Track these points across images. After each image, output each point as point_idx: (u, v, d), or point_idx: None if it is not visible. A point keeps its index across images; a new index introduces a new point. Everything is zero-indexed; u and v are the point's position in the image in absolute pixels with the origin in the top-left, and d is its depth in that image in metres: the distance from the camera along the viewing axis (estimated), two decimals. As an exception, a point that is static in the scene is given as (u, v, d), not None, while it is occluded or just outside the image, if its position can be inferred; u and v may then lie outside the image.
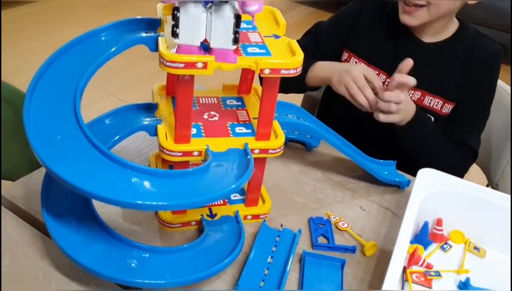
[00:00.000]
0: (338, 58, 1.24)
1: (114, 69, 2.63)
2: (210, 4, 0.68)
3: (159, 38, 0.73)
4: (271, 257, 0.81)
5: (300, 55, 0.74)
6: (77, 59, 0.71)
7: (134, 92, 2.65)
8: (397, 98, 0.98)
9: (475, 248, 0.88)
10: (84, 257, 0.71)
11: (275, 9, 0.85)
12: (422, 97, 1.15)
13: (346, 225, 0.91)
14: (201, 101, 0.91)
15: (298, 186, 1.01)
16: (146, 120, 0.83)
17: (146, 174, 0.66)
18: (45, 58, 0.71)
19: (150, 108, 0.86)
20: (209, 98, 0.92)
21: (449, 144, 1.13)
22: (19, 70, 2.52)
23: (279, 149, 0.82)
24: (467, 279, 0.81)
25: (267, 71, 0.73)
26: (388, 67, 1.16)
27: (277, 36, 0.80)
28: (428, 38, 1.16)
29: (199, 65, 0.69)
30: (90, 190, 0.61)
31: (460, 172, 1.14)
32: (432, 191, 0.88)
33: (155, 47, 0.74)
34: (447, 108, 1.15)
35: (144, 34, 0.76)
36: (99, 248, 0.73)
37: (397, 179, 1.02)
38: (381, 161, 1.05)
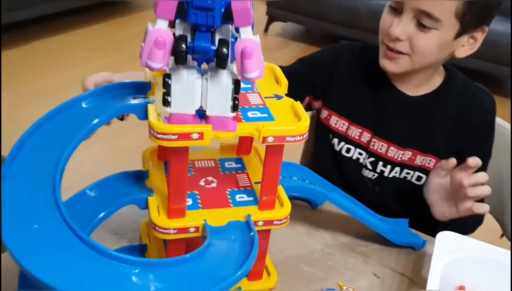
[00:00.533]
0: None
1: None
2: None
3: (149, 105, 0.66)
4: None
5: (306, 120, 0.66)
6: (54, 135, 0.62)
7: (127, 137, 2.54)
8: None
9: (503, 319, 0.80)
10: None
11: (275, 66, 0.78)
12: (413, 157, 1.06)
13: (360, 298, 0.82)
14: (196, 165, 0.83)
15: (305, 251, 0.92)
16: (136, 192, 0.74)
17: (135, 265, 0.57)
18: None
19: (140, 177, 0.78)
20: (205, 161, 0.84)
21: None
22: (7, 117, 2.44)
23: (285, 219, 0.74)
24: None
25: (270, 139, 0.65)
26: (372, 125, 1.07)
27: (279, 97, 0.73)
28: (411, 90, 1.05)
29: (195, 136, 0.62)
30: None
31: (474, 229, 1.07)
32: (453, 258, 0.81)
33: (144, 115, 0.66)
34: None
35: (131, 100, 0.68)
36: None
37: (411, 240, 0.94)
38: (392, 219, 0.97)
